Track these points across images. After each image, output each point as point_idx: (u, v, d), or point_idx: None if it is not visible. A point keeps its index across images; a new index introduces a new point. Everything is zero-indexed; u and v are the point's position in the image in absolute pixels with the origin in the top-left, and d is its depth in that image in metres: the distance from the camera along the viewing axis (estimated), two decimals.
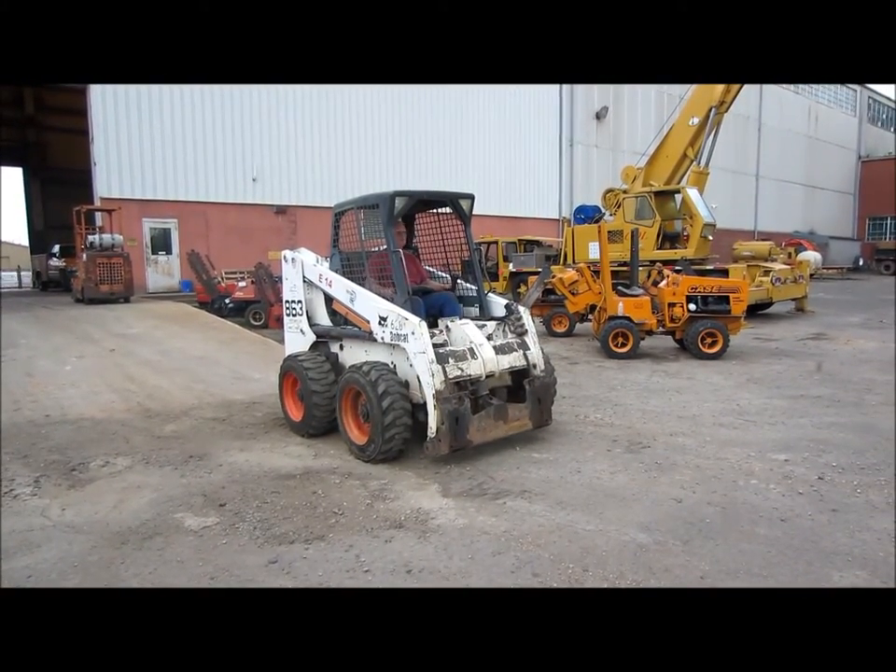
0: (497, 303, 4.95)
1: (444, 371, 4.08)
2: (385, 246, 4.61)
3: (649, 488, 3.70)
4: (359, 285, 4.67)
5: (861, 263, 34.16)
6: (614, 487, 3.73)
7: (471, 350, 4.31)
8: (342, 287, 4.79)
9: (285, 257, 5.33)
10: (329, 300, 5.04)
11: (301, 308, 5.19)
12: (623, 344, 8.20)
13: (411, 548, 2.98)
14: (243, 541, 3.09)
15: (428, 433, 4.03)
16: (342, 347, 4.99)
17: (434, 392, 4.00)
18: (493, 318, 4.85)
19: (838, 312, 13.72)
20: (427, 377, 4.04)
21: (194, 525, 3.29)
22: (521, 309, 4.79)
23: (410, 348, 4.15)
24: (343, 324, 4.92)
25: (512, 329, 4.74)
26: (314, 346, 5.14)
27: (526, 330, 4.72)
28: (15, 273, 29.47)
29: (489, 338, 4.58)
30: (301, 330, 5.19)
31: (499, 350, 4.46)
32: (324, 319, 5.12)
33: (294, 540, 3.08)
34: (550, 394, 4.68)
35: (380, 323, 4.35)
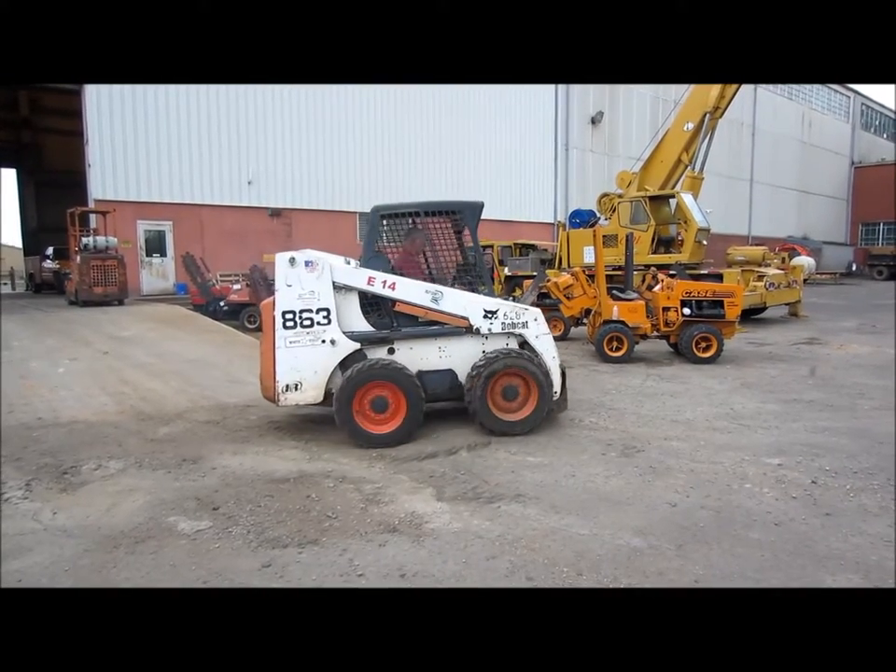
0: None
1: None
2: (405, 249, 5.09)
3: (643, 492, 3.70)
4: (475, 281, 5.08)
5: (854, 268, 34.42)
6: (608, 491, 3.73)
7: None
8: (416, 289, 4.80)
9: (292, 259, 4.62)
10: (368, 303, 4.86)
11: (326, 317, 4.65)
12: (618, 348, 8.22)
13: (405, 552, 2.97)
14: (236, 545, 3.08)
15: (553, 397, 4.99)
16: (391, 351, 4.84)
17: (560, 362, 5.04)
18: None
19: (832, 317, 13.80)
20: (554, 352, 5.03)
21: (187, 528, 3.27)
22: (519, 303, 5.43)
23: (530, 332, 4.95)
24: (396, 326, 4.85)
25: None
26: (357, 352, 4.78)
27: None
28: (9, 279, 29.31)
29: None
30: (331, 341, 4.66)
31: None
32: (358, 325, 4.82)
33: (288, 544, 3.07)
34: None
35: (485, 316, 4.88)
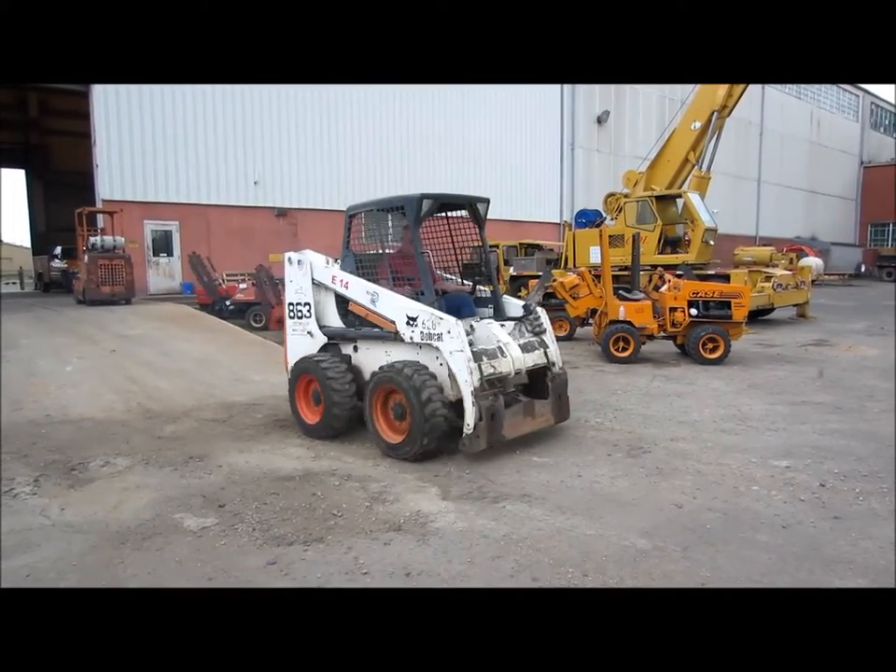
0: (513, 304, 5.10)
1: (480, 369, 4.21)
2: (396, 247, 4.84)
3: (649, 493, 3.68)
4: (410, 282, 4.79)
5: (862, 269, 34.13)
6: (614, 492, 3.71)
7: (500, 349, 4.46)
8: (361, 289, 4.79)
9: (289, 259, 5.24)
10: (342, 301, 5.01)
11: (308, 310, 5.11)
12: (624, 349, 8.19)
13: (410, 551, 2.97)
14: (241, 542, 3.08)
15: (465, 430, 4.13)
16: (355, 349, 4.96)
17: (472, 389, 4.12)
18: (509, 318, 4.98)
19: (840, 318, 13.70)
20: (465, 375, 4.14)
21: (193, 525, 3.29)
22: (539, 309, 4.97)
23: (444, 347, 4.24)
24: (358, 325, 4.90)
25: (530, 328, 4.90)
26: (322, 349, 5.10)
27: (545, 329, 4.92)
28: (17, 278, 29.59)
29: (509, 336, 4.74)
30: (310, 333, 5.11)
31: (524, 348, 4.63)
32: (334, 321, 5.08)
33: (293, 542, 3.08)
34: (566, 389, 4.91)
35: (408, 323, 4.43)
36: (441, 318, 4.27)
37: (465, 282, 5.31)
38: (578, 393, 6.40)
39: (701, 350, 7.95)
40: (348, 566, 2.83)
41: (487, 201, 5.02)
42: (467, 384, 4.13)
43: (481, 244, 5.19)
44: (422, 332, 4.34)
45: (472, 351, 4.24)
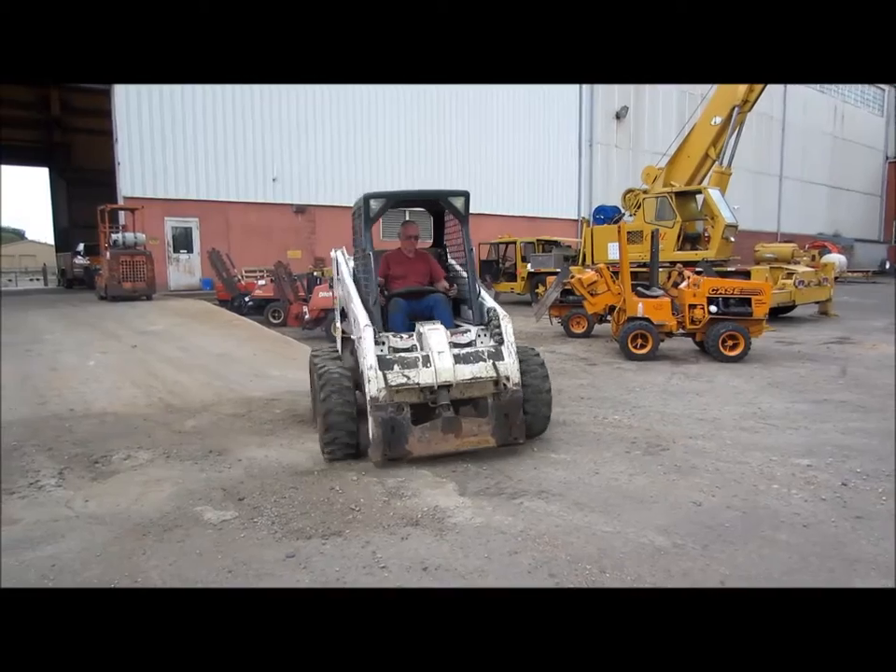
0: (487, 308, 4.61)
1: (385, 378, 3.91)
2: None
3: (667, 491, 3.66)
4: (365, 284, 4.72)
5: (887, 266, 33.43)
6: (632, 489, 3.69)
7: (426, 357, 4.06)
8: (347, 287, 4.92)
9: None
10: None
11: (339, 303, 5.40)
12: (643, 346, 8.12)
13: (427, 546, 2.98)
14: (261, 535, 3.12)
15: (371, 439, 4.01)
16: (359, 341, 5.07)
17: (370, 398, 3.92)
18: (482, 323, 4.53)
19: (863, 316, 13.45)
20: (366, 382, 3.98)
21: (213, 518, 3.33)
22: (500, 315, 4.39)
23: (360, 350, 4.18)
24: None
25: (492, 336, 4.43)
26: (343, 341, 5.30)
27: (503, 340, 4.31)
28: (41, 275, 30.17)
29: (469, 344, 4.32)
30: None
31: (462, 359, 4.10)
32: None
33: (311, 536, 3.11)
34: (519, 409, 4.16)
35: (354, 322, 4.54)
36: (359, 321, 4.23)
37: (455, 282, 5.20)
38: (595, 390, 6.37)
39: (721, 347, 7.85)
40: (366, 560, 2.85)
41: (464, 194, 4.52)
42: (368, 392, 3.94)
43: (462, 240, 4.78)
44: (358, 335, 4.32)
45: (387, 358, 4.03)
